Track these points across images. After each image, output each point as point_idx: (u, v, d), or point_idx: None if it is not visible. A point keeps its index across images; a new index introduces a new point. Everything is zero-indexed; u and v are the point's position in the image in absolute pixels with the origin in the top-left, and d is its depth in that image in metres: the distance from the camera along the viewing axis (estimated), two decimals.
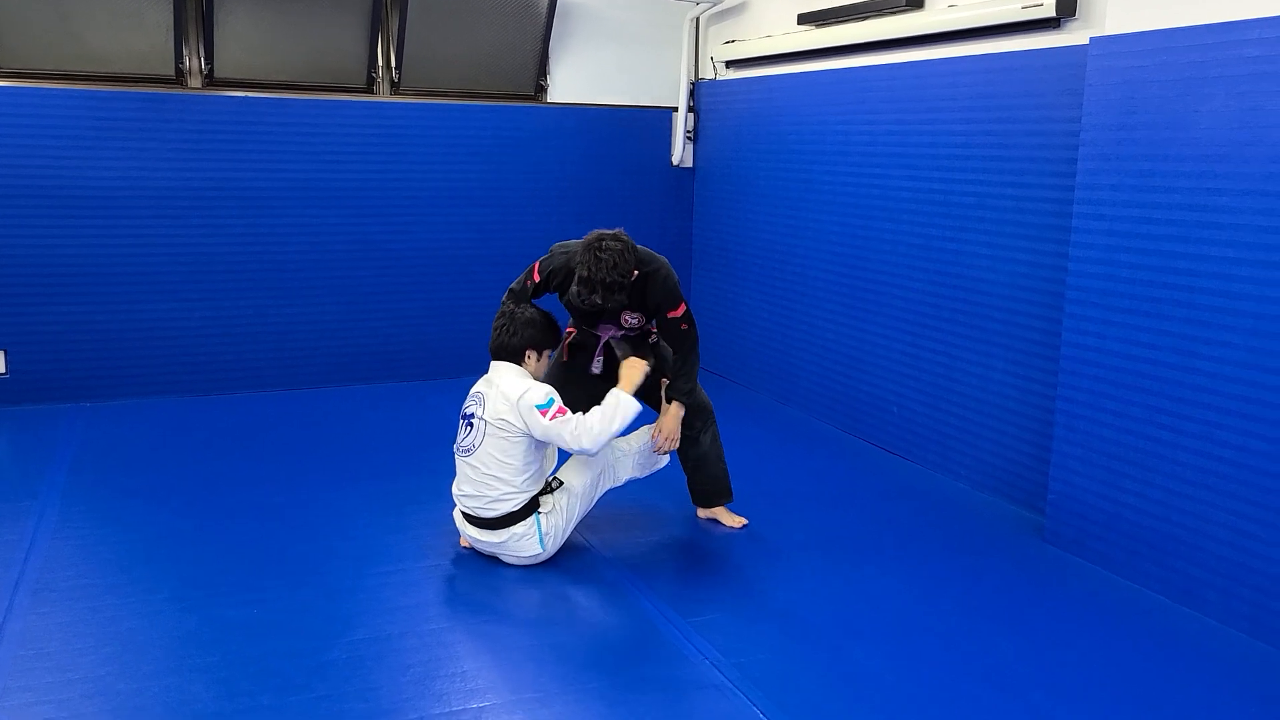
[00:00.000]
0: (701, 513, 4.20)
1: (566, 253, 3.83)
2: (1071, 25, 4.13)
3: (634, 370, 3.71)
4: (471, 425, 3.66)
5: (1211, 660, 3.19)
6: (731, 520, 4.14)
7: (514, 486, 3.59)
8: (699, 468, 4.10)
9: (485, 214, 6.49)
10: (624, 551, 3.87)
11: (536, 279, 3.87)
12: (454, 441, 3.77)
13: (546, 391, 3.58)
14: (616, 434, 3.56)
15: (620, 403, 3.57)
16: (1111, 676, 3.06)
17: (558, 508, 3.69)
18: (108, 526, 3.99)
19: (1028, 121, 4.30)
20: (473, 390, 3.76)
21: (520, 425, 3.55)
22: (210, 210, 5.85)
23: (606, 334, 3.95)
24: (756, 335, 6.36)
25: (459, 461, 3.71)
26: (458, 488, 3.73)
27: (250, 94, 5.84)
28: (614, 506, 4.25)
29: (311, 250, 6.12)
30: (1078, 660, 3.16)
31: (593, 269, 3.53)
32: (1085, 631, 3.36)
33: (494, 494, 3.58)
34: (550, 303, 3.98)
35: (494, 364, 3.75)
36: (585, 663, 3.09)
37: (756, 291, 6.34)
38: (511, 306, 3.79)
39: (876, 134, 5.20)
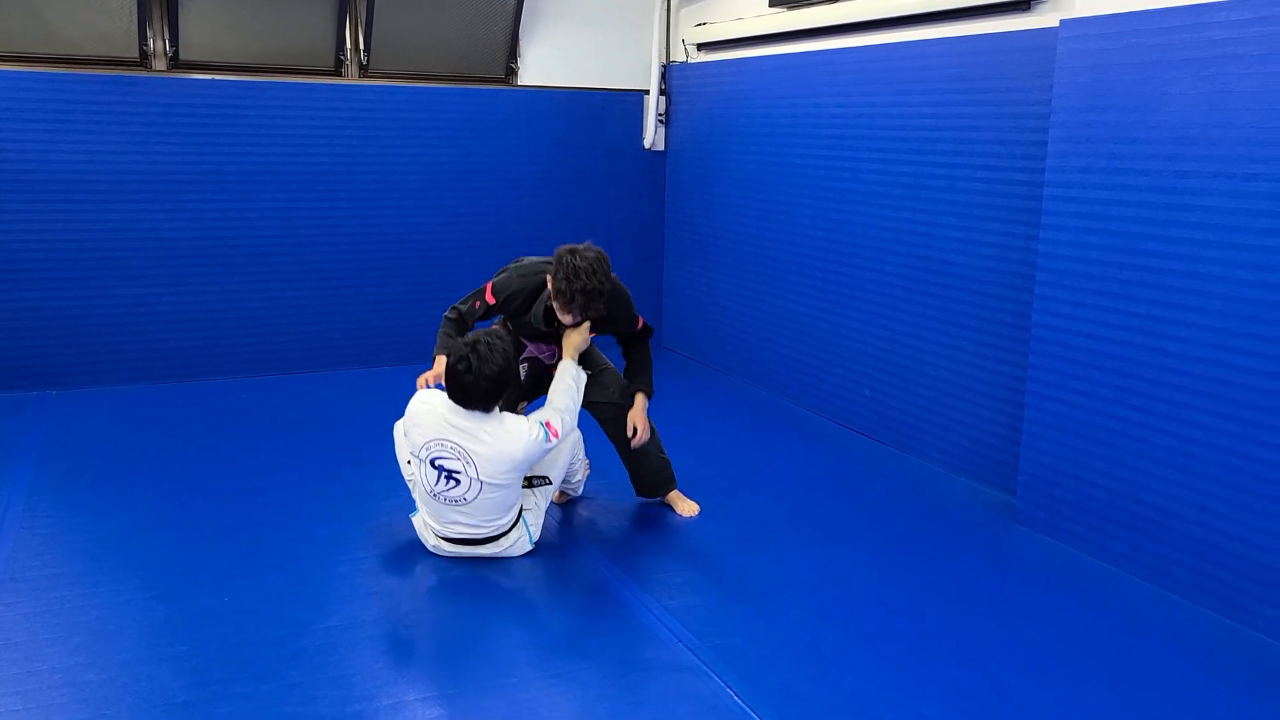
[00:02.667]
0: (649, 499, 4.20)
1: (525, 275, 3.77)
2: (1041, 8, 4.14)
3: (575, 335, 3.77)
4: (455, 480, 3.42)
5: (1180, 637, 3.23)
6: (684, 507, 4.12)
7: (513, 510, 3.58)
8: (641, 461, 4.08)
9: (456, 198, 6.45)
10: (598, 537, 3.87)
11: (490, 301, 3.79)
12: (425, 484, 3.52)
13: (538, 428, 3.47)
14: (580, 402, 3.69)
15: (574, 375, 3.69)
16: (1081, 655, 3.10)
17: (538, 504, 3.70)
18: (76, 515, 3.94)
19: (998, 104, 4.31)
20: (434, 436, 3.43)
21: (523, 471, 3.53)
22: (177, 194, 5.78)
23: (534, 351, 3.97)
24: (729, 319, 6.36)
25: (439, 504, 3.51)
26: (437, 522, 3.56)
27: (216, 77, 5.76)
28: (586, 493, 4.25)
29: (281, 235, 6.06)
30: (1048, 639, 3.19)
31: (572, 278, 3.47)
32: (1055, 610, 3.39)
33: (493, 524, 3.55)
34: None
35: (462, 414, 3.41)
36: (561, 647, 3.09)
37: (729, 275, 6.34)
38: (467, 348, 3.36)
39: (848, 117, 5.20)
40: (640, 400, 3.92)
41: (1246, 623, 3.29)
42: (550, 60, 6.60)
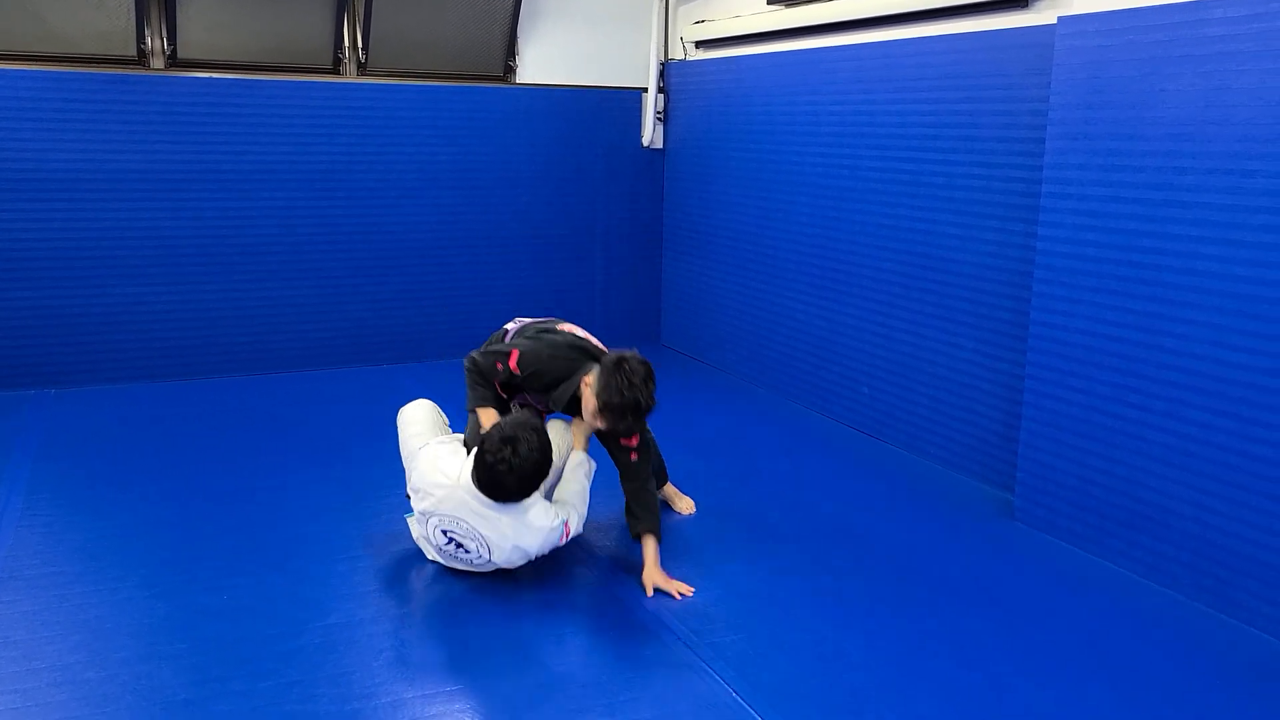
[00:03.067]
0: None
1: (556, 358, 3.51)
2: (1039, 5, 4.14)
3: (580, 433, 3.60)
4: (464, 549, 3.35)
5: (1178, 634, 3.23)
6: (682, 504, 4.10)
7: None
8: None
9: (454, 196, 6.45)
10: (594, 536, 3.87)
11: (515, 370, 3.51)
12: (428, 538, 3.45)
13: (559, 524, 3.31)
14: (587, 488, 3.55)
15: (586, 471, 3.55)
16: (1080, 652, 3.10)
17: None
18: (75, 514, 3.94)
19: (996, 101, 4.31)
20: (450, 512, 3.29)
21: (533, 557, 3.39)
22: (175, 193, 5.77)
23: (531, 400, 3.80)
24: (727, 316, 6.36)
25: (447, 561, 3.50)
26: (440, 556, 3.51)
27: (214, 75, 5.76)
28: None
29: (279, 233, 6.06)
30: (1046, 637, 3.19)
31: (626, 392, 3.22)
32: (1054, 608, 3.39)
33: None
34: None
35: (486, 502, 3.22)
36: (558, 644, 3.09)
37: (727, 272, 6.34)
38: (506, 443, 3.13)
39: (845, 114, 5.20)
40: (651, 549, 3.50)
41: (1245, 619, 3.29)
42: (548, 58, 6.60)
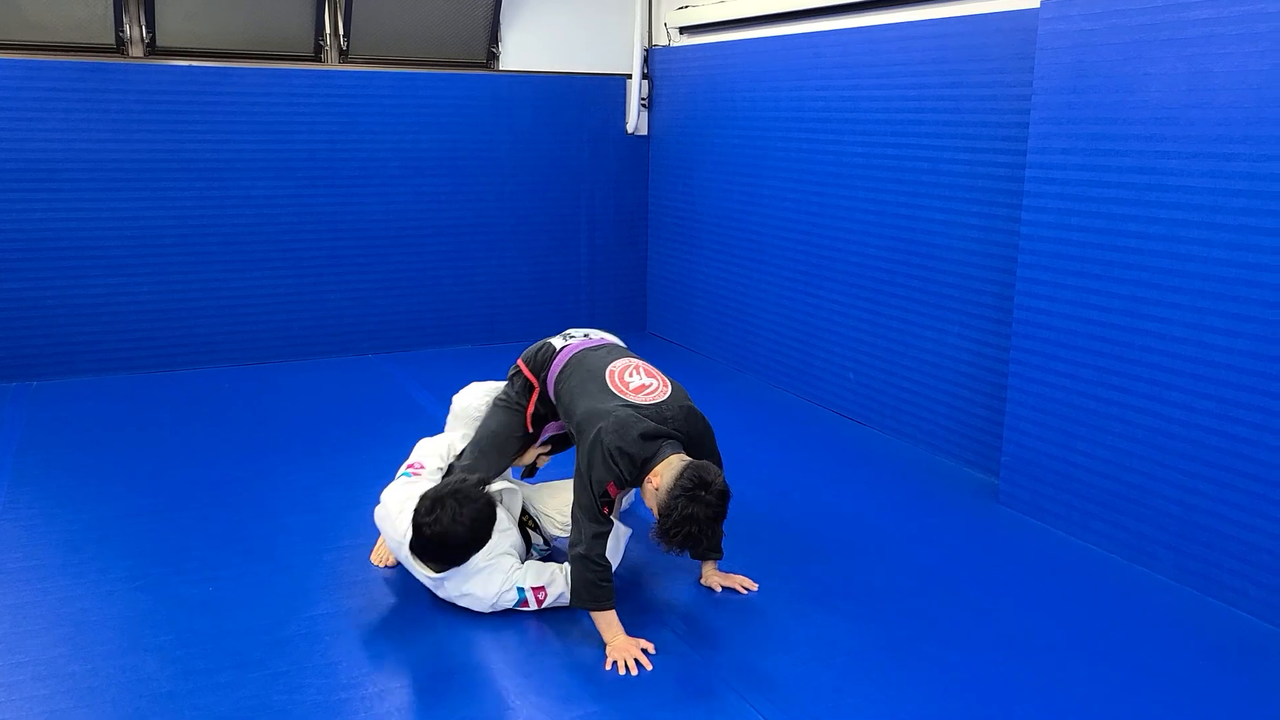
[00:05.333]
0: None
1: (635, 452, 2.95)
2: None
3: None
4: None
5: (1164, 617, 3.25)
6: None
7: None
8: None
9: (437, 184, 6.41)
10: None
11: (614, 494, 3.00)
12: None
13: (512, 586, 3.11)
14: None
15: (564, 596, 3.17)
16: (1064, 634, 3.12)
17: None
18: (57, 507, 3.92)
19: (980, 86, 4.31)
20: (393, 546, 3.22)
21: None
22: (156, 182, 5.73)
23: (554, 430, 3.59)
24: (713, 302, 6.36)
25: None
26: None
27: (194, 63, 5.71)
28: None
29: (261, 222, 6.02)
30: (1031, 619, 3.21)
31: (700, 514, 2.80)
32: (1039, 591, 3.41)
33: None
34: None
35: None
36: (547, 634, 3.09)
37: (713, 258, 6.33)
38: (434, 502, 2.92)
39: (830, 100, 5.19)
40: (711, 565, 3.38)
41: (1228, 600, 3.31)
42: (532, 45, 6.57)
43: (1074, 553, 3.71)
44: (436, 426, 4.90)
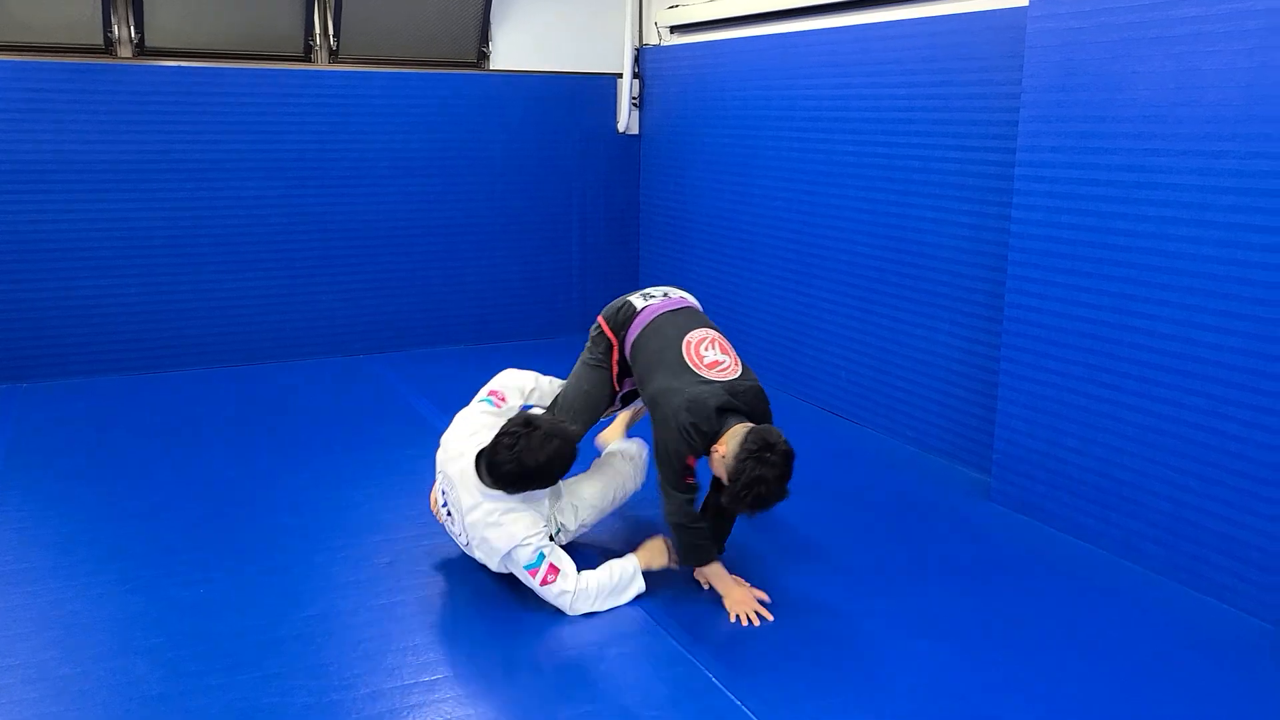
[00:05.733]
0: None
1: (702, 419, 3.08)
2: None
3: (656, 555, 3.29)
4: (454, 524, 3.28)
5: (1152, 612, 3.26)
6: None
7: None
8: None
9: (428, 184, 6.40)
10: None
11: (693, 464, 3.15)
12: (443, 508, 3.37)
13: (536, 547, 3.10)
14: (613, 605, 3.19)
15: (633, 578, 3.22)
16: (1055, 629, 3.13)
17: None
18: (47, 509, 3.90)
19: (970, 84, 4.32)
20: (446, 471, 3.26)
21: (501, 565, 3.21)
22: (145, 184, 5.71)
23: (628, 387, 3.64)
24: (703, 301, 6.29)
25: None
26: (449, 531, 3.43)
27: (183, 64, 5.69)
28: None
29: (251, 223, 6.00)
30: (1022, 615, 3.22)
31: (769, 475, 2.94)
32: (1030, 587, 3.42)
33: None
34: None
35: (470, 479, 3.14)
36: (537, 632, 3.08)
37: (704, 257, 6.33)
38: (522, 427, 3.03)
39: (821, 99, 5.19)
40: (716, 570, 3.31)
41: (1217, 595, 3.33)
42: (522, 44, 6.56)
43: (1065, 549, 3.72)
44: (427, 426, 4.91)
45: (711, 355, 3.26)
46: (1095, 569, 3.56)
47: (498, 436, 3.06)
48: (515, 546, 3.10)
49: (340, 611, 3.16)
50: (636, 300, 3.50)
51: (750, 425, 3.07)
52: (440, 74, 6.31)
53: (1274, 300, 3.08)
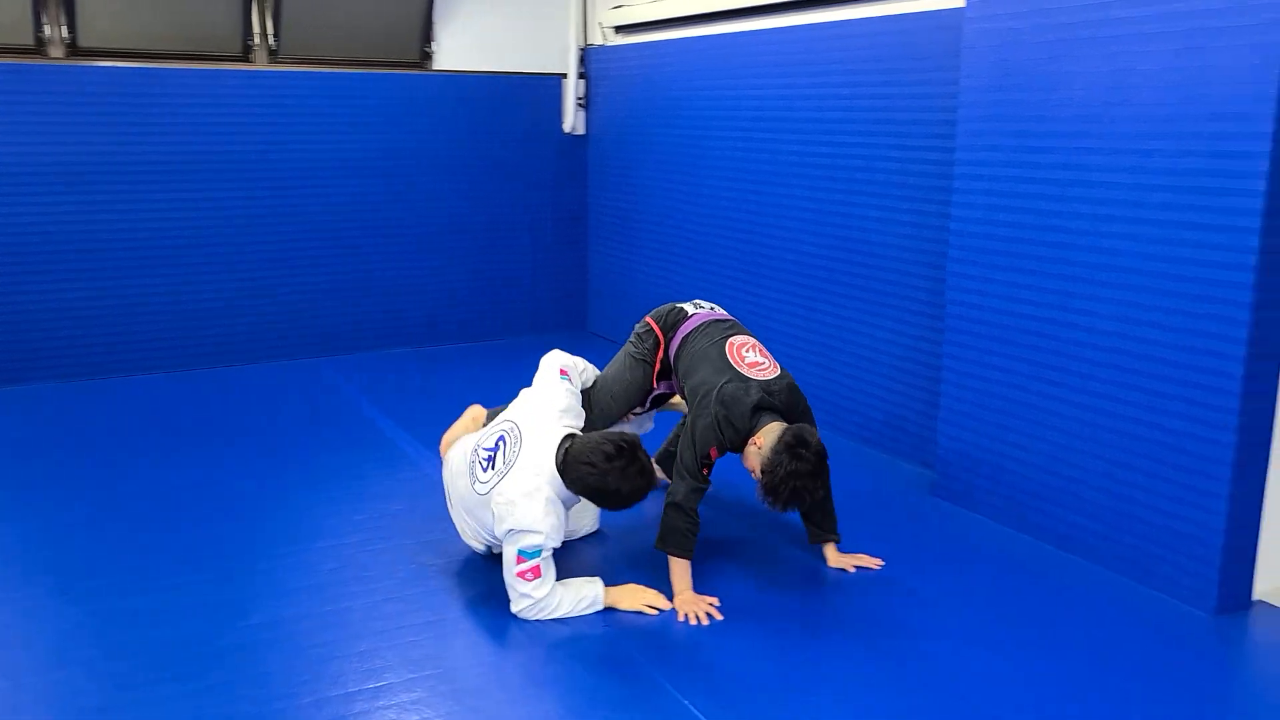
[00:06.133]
0: None
1: (735, 417, 3.24)
2: None
3: (626, 599, 3.21)
4: (481, 466, 3.25)
5: (1094, 604, 3.32)
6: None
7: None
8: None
9: (374, 186, 6.34)
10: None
11: (715, 456, 3.29)
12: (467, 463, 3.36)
13: (542, 544, 3.06)
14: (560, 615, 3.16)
15: (590, 607, 3.17)
16: (1003, 624, 3.17)
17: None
18: None
19: (911, 84, 4.36)
20: (516, 415, 3.30)
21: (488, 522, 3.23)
22: (81, 187, 5.59)
23: (664, 389, 3.76)
24: (653, 301, 6.30)
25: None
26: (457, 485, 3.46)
27: (118, 64, 5.58)
28: None
29: (193, 227, 5.90)
30: (970, 609, 3.26)
31: (802, 469, 3.09)
32: (977, 581, 3.46)
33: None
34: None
35: (542, 450, 3.13)
36: (486, 637, 3.07)
37: (652, 257, 6.34)
38: (626, 447, 3.06)
39: (766, 99, 5.22)
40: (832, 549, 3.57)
41: (1156, 586, 3.39)
42: (466, 44, 6.52)
43: (1009, 543, 3.77)
44: (375, 431, 4.87)
45: (752, 357, 3.44)
46: (1038, 562, 3.62)
47: (600, 442, 3.06)
48: (528, 531, 3.05)
49: (285, 619, 3.12)
50: (687, 307, 3.71)
51: (786, 424, 3.22)
52: (384, 74, 6.26)
53: (1206, 296, 3.15)
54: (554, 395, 3.35)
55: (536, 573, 3.09)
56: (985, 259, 3.85)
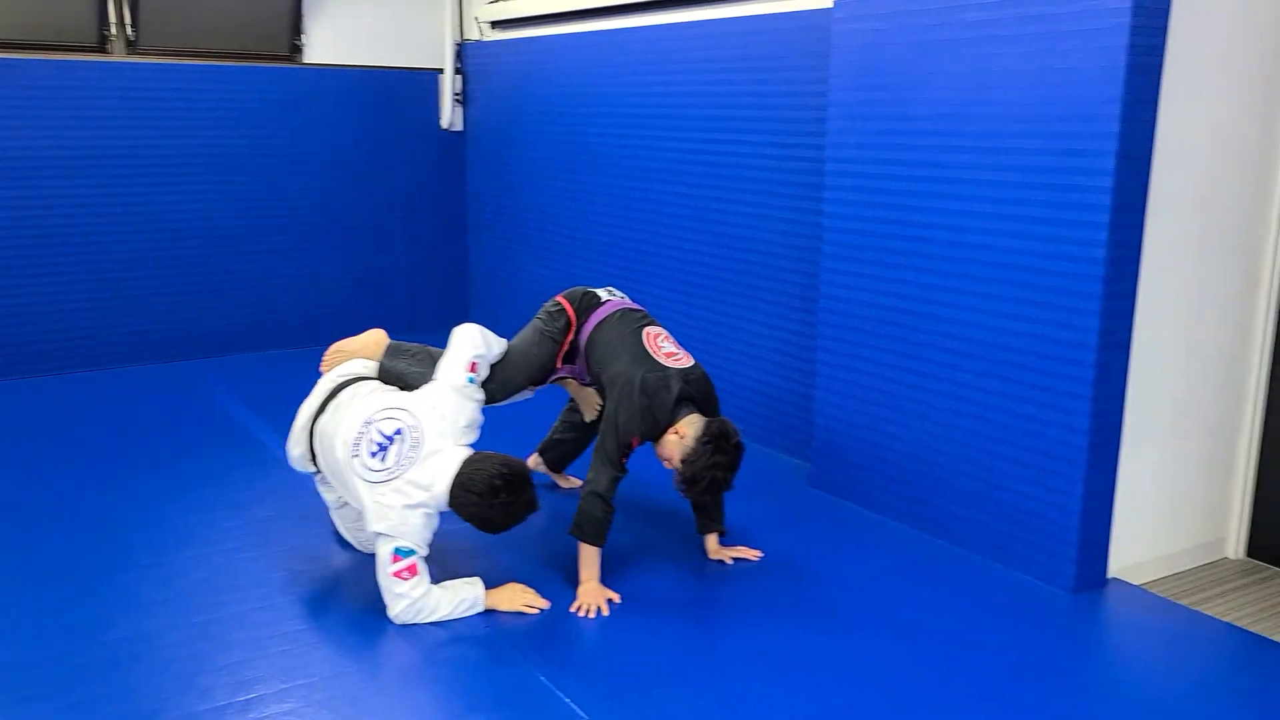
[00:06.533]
0: None
1: (655, 407, 3.29)
2: None
3: (506, 600, 3.20)
4: (366, 433, 3.18)
5: (962, 585, 3.44)
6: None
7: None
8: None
9: (244, 183, 6.15)
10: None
11: (635, 445, 3.33)
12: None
13: (414, 547, 3.06)
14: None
15: (470, 609, 3.14)
16: (869, 608, 3.26)
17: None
18: None
19: (783, 83, 4.44)
20: (403, 401, 3.26)
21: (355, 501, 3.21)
22: None
23: (568, 372, 3.76)
24: (535, 298, 6.27)
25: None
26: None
27: None
28: None
29: (52, 227, 5.63)
30: (838, 595, 3.34)
31: (723, 462, 3.19)
32: (851, 568, 3.55)
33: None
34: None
35: (431, 454, 3.10)
36: (359, 641, 3.01)
37: (534, 254, 6.31)
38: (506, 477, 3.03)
39: (644, 95, 5.25)
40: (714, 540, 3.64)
41: (1018, 567, 3.53)
42: (338, 37, 6.38)
43: (881, 530, 3.87)
44: (246, 435, 4.73)
45: (668, 347, 3.50)
46: (908, 547, 3.73)
47: (491, 474, 3.00)
48: (400, 535, 3.04)
49: (149, 632, 3.01)
50: (602, 293, 3.70)
51: (703, 415, 3.31)
52: (252, 67, 6.07)
53: (1059, 288, 3.29)
54: (461, 409, 3.25)
55: (413, 571, 3.05)
56: (855, 254, 3.94)
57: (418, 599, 3.06)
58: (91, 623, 3.05)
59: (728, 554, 3.60)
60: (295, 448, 3.47)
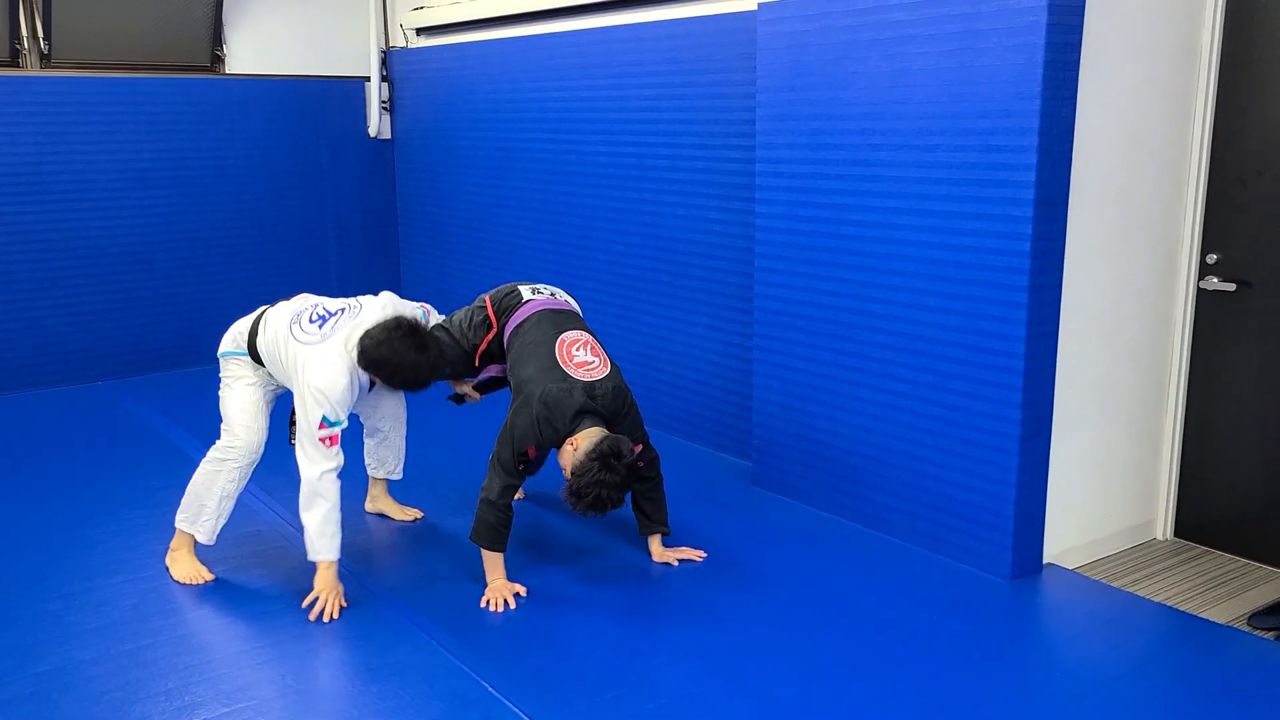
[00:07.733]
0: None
1: (556, 419, 3.24)
2: None
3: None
4: (309, 316, 3.34)
5: (901, 576, 3.49)
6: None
7: None
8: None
9: (167, 197, 6.02)
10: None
11: (532, 455, 3.36)
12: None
13: (327, 411, 3.15)
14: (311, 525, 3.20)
15: (329, 552, 3.22)
16: (810, 603, 3.28)
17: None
18: None
19: (711, 85, 4.46)
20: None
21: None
22: None
23: (493, 371, 3.76)
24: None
25: None
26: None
27: None
28: None
29: None
30: (779, 591, 3.37)
31: (599, 492, 3.10)
32: (786, 563, 3.58)
33: None
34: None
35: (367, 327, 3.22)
36: (300, 662, 2.96)
37: (464, 261, 6.27)
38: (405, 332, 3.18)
39: (570, 100, 5.24)
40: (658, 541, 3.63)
41: (955, 556, 3.58)
42: (260, 47, 6.27)
43: (821, 525, 3.91)
44: (177, 455, 4.62)
45: (582, 355, 3.41)
46: (847, 541, 3.77)
47: (388, 320, 3.19)
48: (329, 397, 3.15)
49: (79, 662, 2.92)
50: (525, 291, 3.65)
51: (607, 433, 3.24)
52: (170, 79, 5.94)
53: (985, 281, 3.35)
54: (407, 305, 3.48)
55: (334, 440, 3.18)
56: (788, 253, 3.98)
57: (329, 470, 3.17)
58: (18, 654, 2.96)
59: (672, 555, 3.60)
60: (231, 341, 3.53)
